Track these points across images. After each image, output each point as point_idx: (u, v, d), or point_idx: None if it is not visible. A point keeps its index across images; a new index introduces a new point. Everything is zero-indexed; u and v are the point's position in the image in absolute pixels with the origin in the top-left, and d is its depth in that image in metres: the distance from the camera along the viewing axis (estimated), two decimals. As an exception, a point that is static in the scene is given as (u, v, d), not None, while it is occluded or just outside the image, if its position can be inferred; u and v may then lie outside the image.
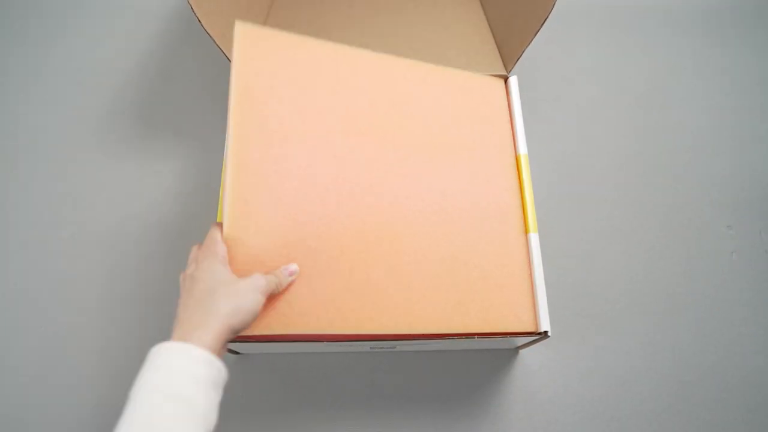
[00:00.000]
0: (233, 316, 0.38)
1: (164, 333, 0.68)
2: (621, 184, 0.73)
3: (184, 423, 0.33)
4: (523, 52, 0.61)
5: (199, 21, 0.56)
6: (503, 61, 0.65)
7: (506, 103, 0.63)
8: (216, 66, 0.80)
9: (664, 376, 0.62)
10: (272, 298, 0.45)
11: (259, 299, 0.41)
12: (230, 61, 0.61)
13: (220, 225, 0.45)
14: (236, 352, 0.59)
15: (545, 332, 0.51)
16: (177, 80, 0.80)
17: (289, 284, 0.46)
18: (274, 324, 0.46)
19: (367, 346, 0.57)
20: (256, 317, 0.42)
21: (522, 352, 0.63)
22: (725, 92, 0.80)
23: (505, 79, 0.65)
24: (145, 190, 0.72)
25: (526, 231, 0.57)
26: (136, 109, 0.78)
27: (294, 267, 0.46)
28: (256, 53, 0.52)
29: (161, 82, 0.80)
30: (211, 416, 0.36)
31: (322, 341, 0.51)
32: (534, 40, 0.60)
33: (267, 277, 0.43)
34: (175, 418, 0.33)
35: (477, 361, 0.62)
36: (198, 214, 0.70)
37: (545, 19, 0.57)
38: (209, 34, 0.57)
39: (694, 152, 0.76)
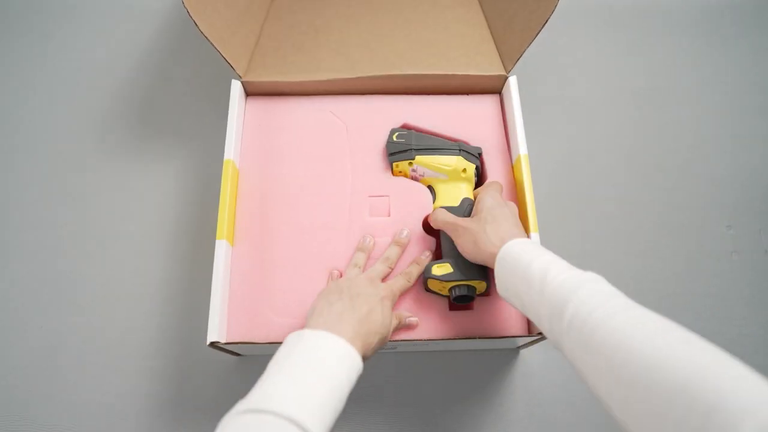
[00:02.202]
0: None
1: (164, 332, 0.67)
2: (621, 184, 0.73)
3: None
4: (523, 52, 0.61)
5: (196, 24, 0.55)
6: (503, 61, 0.65)
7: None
8: (215, 66, 0.79)
9: (663, 376, 0.62)
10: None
11: None
12: (229, 62, 0.61)
13: None
14: (236, 354, 0.59)
15: (545, 332, 0.51)
16: (177, 81, 0.80)
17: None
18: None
19: (367, 346, 0.57)
20: None
21: (522, 352, 0.63)
22: (725, 92, 0.80)
23: (505, 79, 0.65)
24: (145, 190, 0.72)
25: (527, 231, 0.57)
26: (136, 109, 0.78)
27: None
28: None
29: (161, 82, 0.80)
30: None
31: None
32: (533, 39, 0.60)
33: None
34: None
35: (477, 361, 0.62)
36: (198, 214, 0.70)
37: (546, 21, 0.56)
38: (206, 37, 0.57)
39: (694, 152, 0.76)
